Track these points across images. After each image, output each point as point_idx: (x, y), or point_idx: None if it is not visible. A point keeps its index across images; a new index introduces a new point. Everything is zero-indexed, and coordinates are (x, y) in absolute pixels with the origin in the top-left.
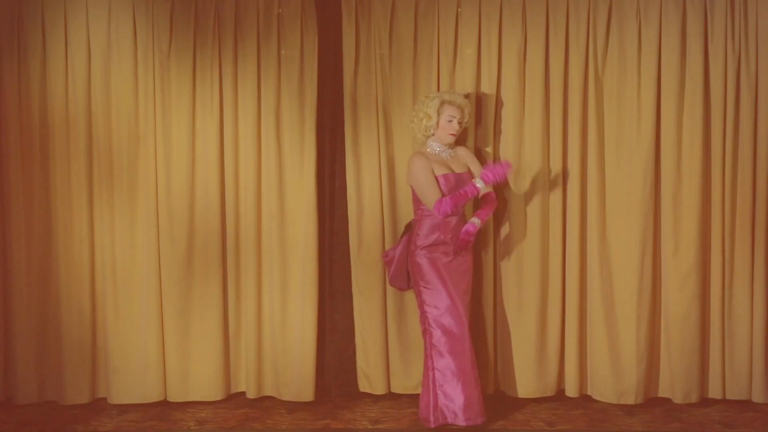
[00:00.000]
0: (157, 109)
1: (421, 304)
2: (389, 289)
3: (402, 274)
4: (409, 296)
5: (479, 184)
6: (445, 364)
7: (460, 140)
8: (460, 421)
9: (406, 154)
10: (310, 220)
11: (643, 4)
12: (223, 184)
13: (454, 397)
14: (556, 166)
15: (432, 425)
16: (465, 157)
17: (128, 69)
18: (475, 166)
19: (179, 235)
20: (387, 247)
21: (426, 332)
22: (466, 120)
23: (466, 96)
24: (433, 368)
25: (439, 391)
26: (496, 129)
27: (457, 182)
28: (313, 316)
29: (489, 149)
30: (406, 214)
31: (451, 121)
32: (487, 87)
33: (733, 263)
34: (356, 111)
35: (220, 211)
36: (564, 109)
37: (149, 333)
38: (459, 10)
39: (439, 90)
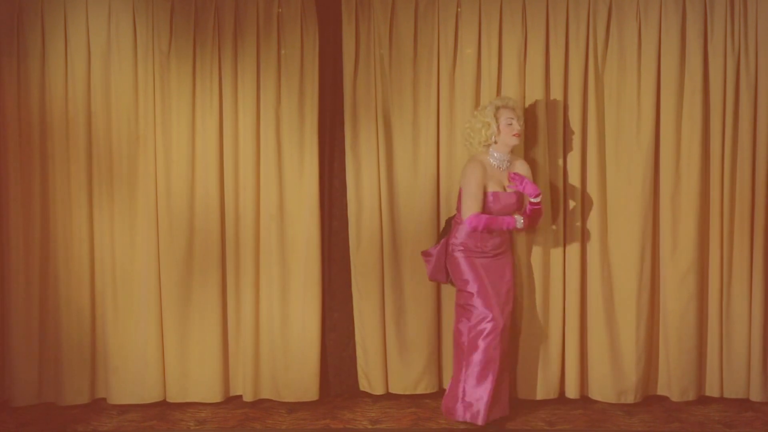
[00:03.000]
0: (157, 109)
1: (460, 299)
2: (388, 289)
3: (441, 269)
4: (409, 297)
5: (519, 223)
6: (476, 359)
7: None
8: (478, 419)
9: (407, 154)
10: (313, 220)
11: (643, 4)
12: (222, 184)
13: (477, 394)
14: (556, 166)
15: (459, 418)
16: (526, 173)
17: (128, 69)
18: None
19: (179, 235)
20: (386, 247)
21: (464, 327)
22: (521, 122)
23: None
24: (466, 363)
25: (467, 386)
26: None
27: (505, 203)
28: (316, 316)
29: None
30: (406, 213)
31: (510, 123)
32: (487, 87)
33: (732, 262)
34: (356, 111)
35: (219, 211)
36: (564, 109)
37: (149, 333)
38: (459, 10)
39: (438, 90)
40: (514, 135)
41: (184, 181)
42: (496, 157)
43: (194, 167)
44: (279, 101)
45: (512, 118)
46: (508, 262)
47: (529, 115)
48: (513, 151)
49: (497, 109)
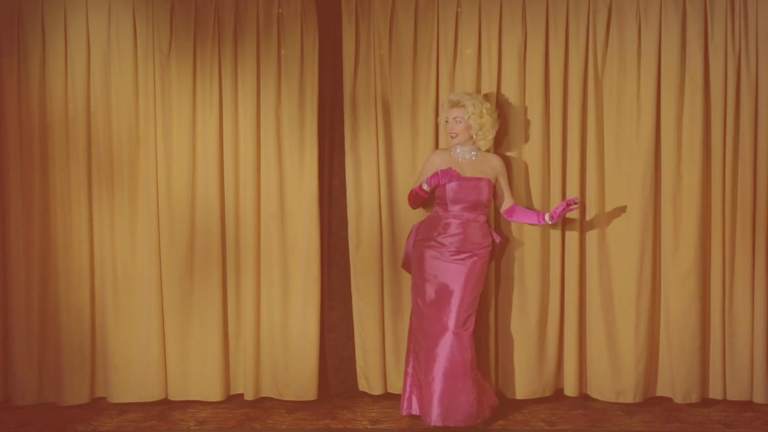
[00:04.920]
0: (158, 109)
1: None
2: (387, 289)
3: (409, 259)
4: (407, 297)
5: (425, 186)
6: (416, 357)
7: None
8: (414, 412)
9: (406, 154)
10: (313, 220)
11: (643, 4)
12: (223, 184)
13: (420, 392)
14: (555, 166)
15: (403, 413)
16: (496, 167)
17: (128, 69)
18: (504, 179)
19: (179, 235)
20: (386, 247)
21: (410, 322)
22: (469, 117)
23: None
24: (407, 358)
25: (409, 381)
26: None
27: (461, 185)
28: (315, 316)
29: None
30: (405, 213)
31: (447, 122)
32: (487, 87)
33: (734, 263)
34: (356, 111)
35: (220, 211)
36: (564, 109)
37: (150, 332)
38: (459, 10)
39: (438, 90)
40: (450, 137)
41: (185, 181)
42: (458, 151)
43: (195, 167)
44: (279, 101)
45: (447, 118)
46: (471, 268)
47: (528, 115)
48: (484, 147)
49: (443, 107)
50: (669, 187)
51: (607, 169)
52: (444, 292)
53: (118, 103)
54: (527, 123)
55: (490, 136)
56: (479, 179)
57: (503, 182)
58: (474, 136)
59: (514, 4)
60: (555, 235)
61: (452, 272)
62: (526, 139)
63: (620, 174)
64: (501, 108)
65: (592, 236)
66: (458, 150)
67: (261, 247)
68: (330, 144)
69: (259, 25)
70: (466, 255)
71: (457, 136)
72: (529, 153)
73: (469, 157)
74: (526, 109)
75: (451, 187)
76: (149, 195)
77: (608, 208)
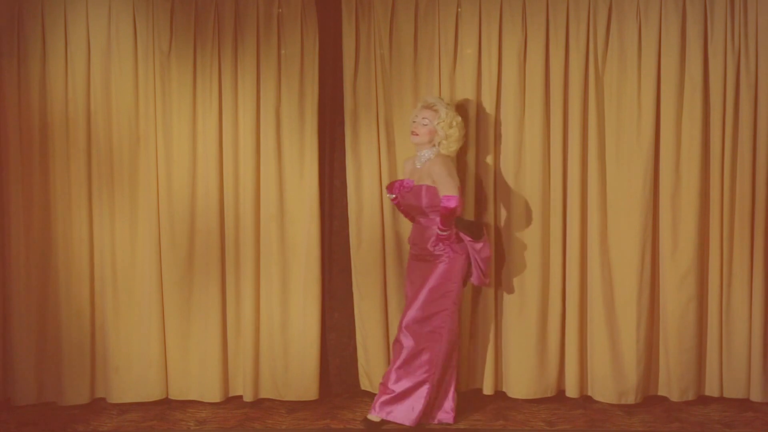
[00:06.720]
0: (158, 109)
1: None
2: (389, 288)
3: None
4: None
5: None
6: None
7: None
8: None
9: (407, 154)
10: (313, 220)
11: (643, 5)
12: (222, 184)
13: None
14: (556, 167)
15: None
16: (432, 171)
17: (128, 69)
18: (439, 182)
19: (179, 235)
20: (387, 247)
21: None
22: (438, 123)
23: (466, 100)
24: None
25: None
26: (497, 130)
27: (397, 186)
28: (316, 316)
29: (490, 153)
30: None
31: (413, 122)
32: (487, 87)
33: (732, 263)
34: (356, 110)
35: (220, 211)
36: (564, 110)
37: (150, 332)
38: (459, 10)
39: (440, 91)
40: (411, 133)
41: (185, 181)
42: (418, 155)
43: (195, 167)
44: (279, 101)
45: (414, 118)
46: (437, 271)
47: (528, 115)
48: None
49: (417, 105)
50: (668, 186)
51: (607, 169)
52: (409, 292)
53: (118, 103)
54: (528, 123)
55: (454, 148)
56: (419, 186)
57: (439, 183)
58: (437, 144)
59: (514, 4)
60: (556, 234)
61: (417, 274)
62: (527, 139)
63: (620, 174)
64: (500, 108)
65: (593, 236)
66: (418, 154)
67: (261, 247)
68: (330, 144)
69: (259, 25)
70: (432, 259)
71: (417, 136)
72: (530, 153)
73: (419, 163)
74: (525, 109)
75: (392, 188)
76: (149, 195)
77: (609, 207)
